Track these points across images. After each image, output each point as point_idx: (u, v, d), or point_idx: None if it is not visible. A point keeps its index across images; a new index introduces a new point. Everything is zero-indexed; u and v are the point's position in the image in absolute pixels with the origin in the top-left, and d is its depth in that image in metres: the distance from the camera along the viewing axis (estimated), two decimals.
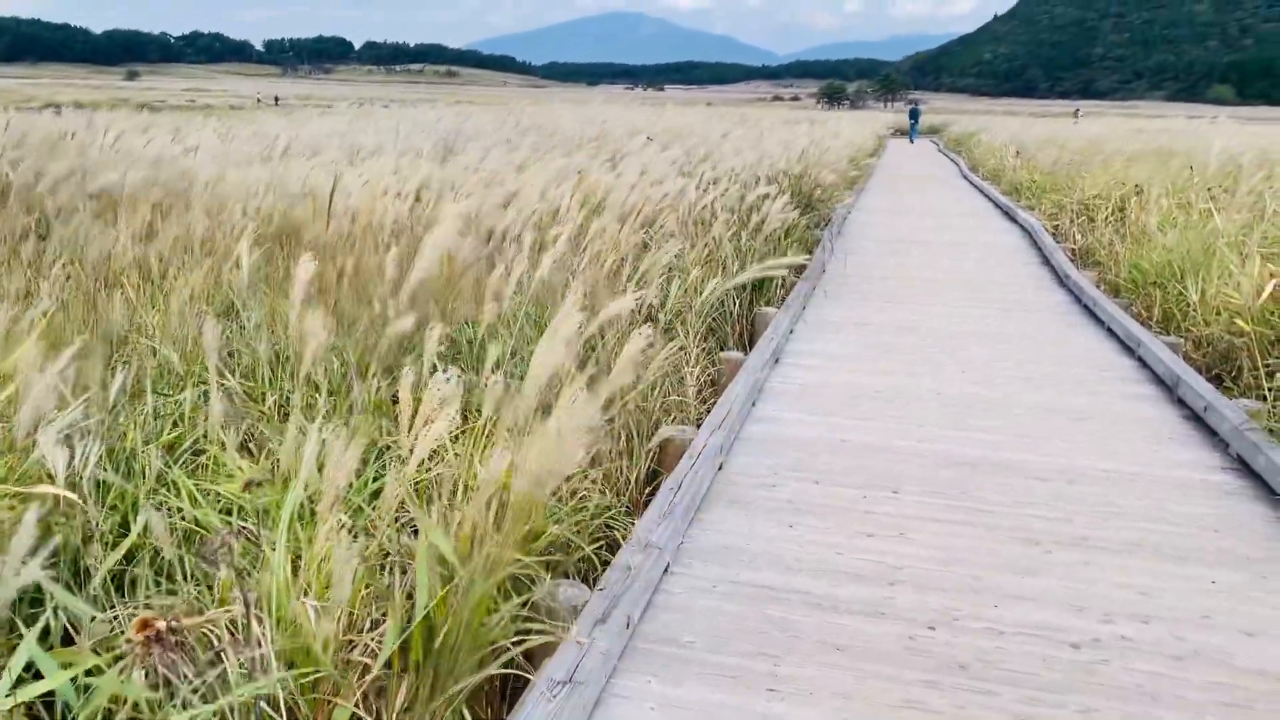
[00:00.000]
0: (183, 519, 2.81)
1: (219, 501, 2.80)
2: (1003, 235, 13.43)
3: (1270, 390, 5.40)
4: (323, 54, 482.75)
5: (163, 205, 6.17)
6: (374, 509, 2.63)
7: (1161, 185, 11.63)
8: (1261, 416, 5.22)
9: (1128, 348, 7.20)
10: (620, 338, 4.70)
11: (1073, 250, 11.33)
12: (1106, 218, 11.55)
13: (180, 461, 3.01)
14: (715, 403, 5.29)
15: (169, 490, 2.91)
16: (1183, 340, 6.92)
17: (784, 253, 7.87)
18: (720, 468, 4.52)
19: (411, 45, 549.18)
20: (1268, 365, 5.64)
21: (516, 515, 2.42)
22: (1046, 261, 11.13)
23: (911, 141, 45.38)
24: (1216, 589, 3.54)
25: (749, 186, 8.49)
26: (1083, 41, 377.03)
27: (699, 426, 4.88)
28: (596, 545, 3.43)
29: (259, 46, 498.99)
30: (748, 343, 7.46)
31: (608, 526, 3.49)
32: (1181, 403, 5.85)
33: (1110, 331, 7.76)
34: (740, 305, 7.59)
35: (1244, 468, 4.77)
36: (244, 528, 2.10)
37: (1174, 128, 26.45)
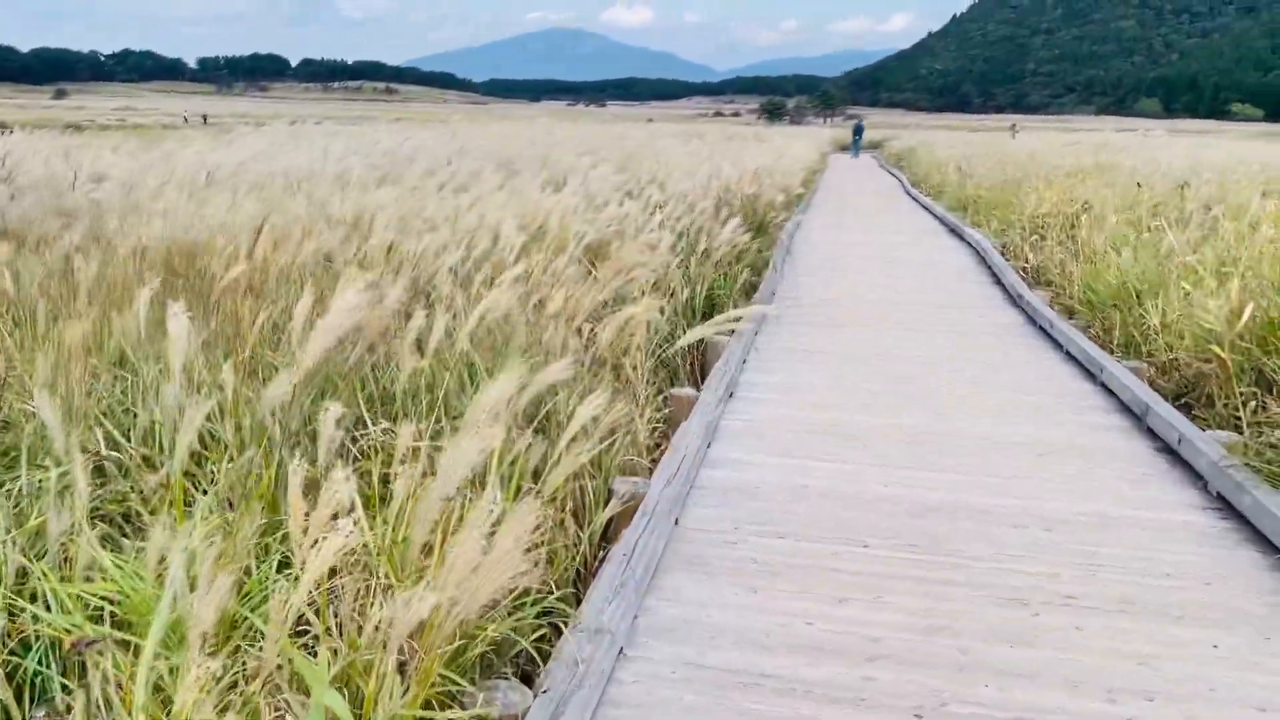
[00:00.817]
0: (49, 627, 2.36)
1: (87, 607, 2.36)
2: (951, 254, 13.30)
3: (1246, 421, 5.17)
4: (259, 72, 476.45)
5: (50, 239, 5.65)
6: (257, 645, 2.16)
7: (1110, 202, 11.57)
8: (1239, 450, 4.99)
9: (1089, 373, 6.99)
10: (569, 395, 4.31)
11: (1024, 269, 11.19)
12: (1058, 236, 11.44)
13: (43, 556, 2.55)
14: (669, 446, 4.92)
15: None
16: (1146, 366, 6.72)
17: (735, 279, 7.55)
18: (676, 522, 4.15)
19: (350, 62, 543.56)
20: (1242, 394, 5.43)
21: (434, 649, 2.02)
22: (998, 280, 10.98)
23: (855, 156, 45.66)
24: (1219, 655, 3.24)
25: (697, 209, 8.17)
26: (1015, 57, 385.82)
27: (653, 472, 4.51)
28: (540, 634, 3.03)
29: (192, 64, 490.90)
30: (699, 373, 7.12)
31: (548, 610, 3.09)
32: (1152, 433, 5.62)
33: (1069, 355, 7.56)
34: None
35: (1226, 507, 4.52)
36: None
37: (1113, 142, 26.85)
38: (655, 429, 5.29)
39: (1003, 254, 12.43)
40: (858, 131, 47.52)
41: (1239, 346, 5.63)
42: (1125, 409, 6.13)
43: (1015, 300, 9.78)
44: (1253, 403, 5.37)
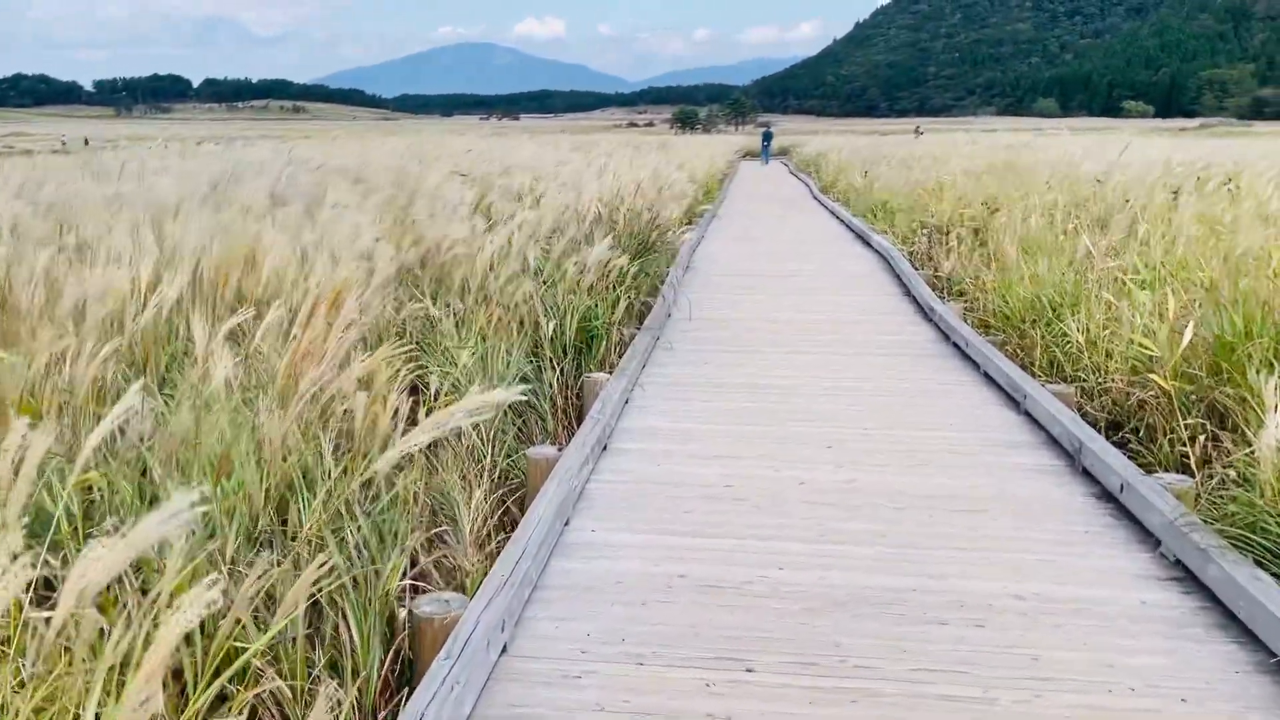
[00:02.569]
0: None
1: None
2: (859, 262, 12.61)
3: (1196, 461, 4.41)
4: (159, 93, 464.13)
5: None
6: None
7: (1020, 203, 10.97)
8: (1191, 498, 4.23)
9: (1012, 399, 6.23)
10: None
11: (935, 278, 10.50)
12: (969, 241, 10.79)
13: None
14: (513, 537, 3.94)
15: None
16: (1072, 389, 5.97)
17: (611, 305, 6.62)
18: (505, 649, 3.18)
19: (255, 81, 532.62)
20: (1189, 426, 4.68)
21: None
22: (908, 292, 10.28)
23: (765, 163, 45.33)
24: None
25: (561, 230, 7.23)
26: (917, 62, 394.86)
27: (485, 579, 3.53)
28: None
29: (89, 87, 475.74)
30: (574, 419, 6.17)
31: None
32: (1088, 475, 4.84)
33: (988, 377, 6.81)
34: (565, 371, 6.29)
35: (1188, 576, 3.72)
36: None
37: (1015, 141, 26.72)
38: (487, 521, 4.30)
39: (912, 262, 11.76)
40: (766, 138, 47.27)
41: (1181, 371, 4.89)
42: (1054, 443, 5.36)
43: (928, 314, 9.06)
44: (1202, 437, 4.62)
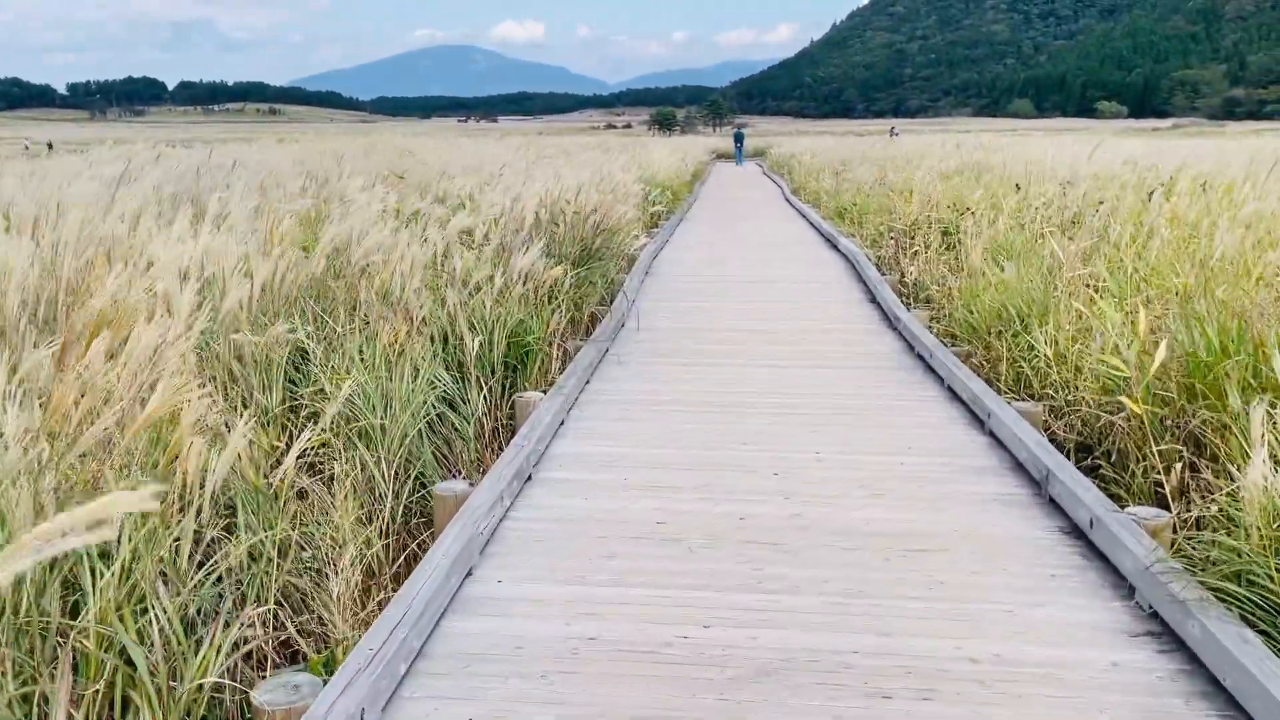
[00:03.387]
0: None
1: None
2: (825, 268, 12.18)
3: (1171, 492, 3.98)
4: (134, 96, 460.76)
5: None
6: None
7: (990, 206, 10.58)
8: (1167, 535, 3.80)
9: (977, 417, 5.81)
10: None
11: (902, 283, 10.08)
12: (937, 245, 10.38)
13: None
14: (398, 593, 3.45)
15: None
16: (1040, 407, 5.54)
17: (546, 319, 6.13)
18: None
19: (230, 84, 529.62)
20: (1162, 452, 4.25)
21: None
22: (874, 298, 9.86)
23: (739, 164, 45.04)
24: None
25: (492, 237, 6.73)
26: (893, 63, 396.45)
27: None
28: None
29: (62, 90, 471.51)
30: (503, 442, 5.69)
31: None
32: (1055, 506, 4.41)
33: (953, 392, 6.39)
34: (494, 390, 5.81)
35: (1165, 630, 3.29)
36: None
37: (988, 143, 26.43)
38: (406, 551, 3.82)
39: (879, 266, 11.35)
40: (738, 140, 46.91)
41: (1155, 393, 4.46)
42: (1021, 469, 4.93)
43: (893, 322, 8.64)
44: (1178, 465, 4.19)
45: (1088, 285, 6.59)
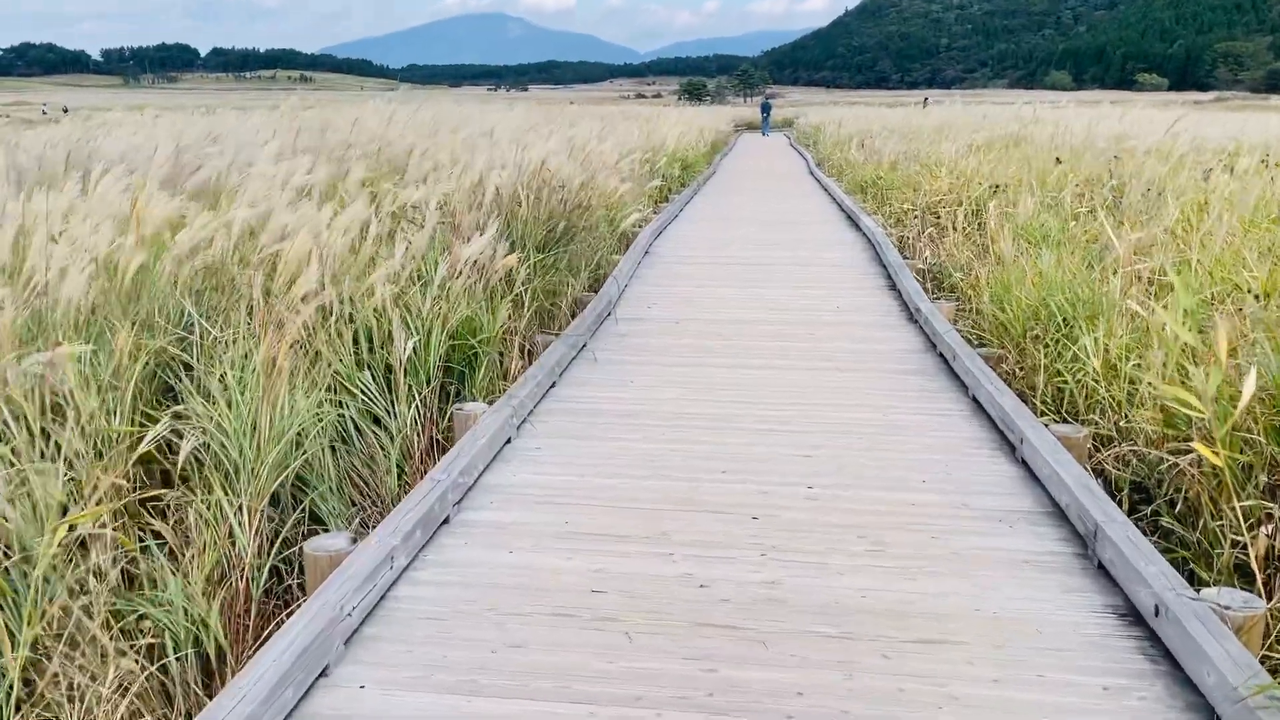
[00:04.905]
0: None
1: None
2: (844, 249, 11.14)
3: (1259, 565, 3.01)
4: (167, 63, 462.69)
5: None
6: None
7: (1024, 181, 9.50)
8: (1257, 633, 2.84)
9: (1005, 438, 4.84)
10: None
11: (922, 271, 9.06)
12: (963, 225, 9.33)
13: None
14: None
15: None
16: (1084, 432, 4.55)
17: (499, 314, 5.19)
18: None
19: (262, 51, 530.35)
20: (1244, 510, 3.27)
21: None
22: (894, 285, 8.85)
23: (764, 135, 44.02)
24: None
25: (452, 216, 5.77)
26: (929, 33, 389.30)
27: None
28: None
29: (97, 57, 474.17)
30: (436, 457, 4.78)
31: None
32: (1106, 575, 3.45)
33: (978, 404, 5.42)
34: (430, 400, 4.89)
35: None
36: None
37: (1025, 114, 25.08)
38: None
39: (900, 248, 10.31)
40: (765, 110, 45.75)
41: (1239, 434, 3.47)
42: (1060, 514, 3.97)
43: (913, 314, 7.64)
44: (1267, 527, 3.21)
45: (1141, 279, 5.57)
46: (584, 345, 6.73)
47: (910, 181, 13.03)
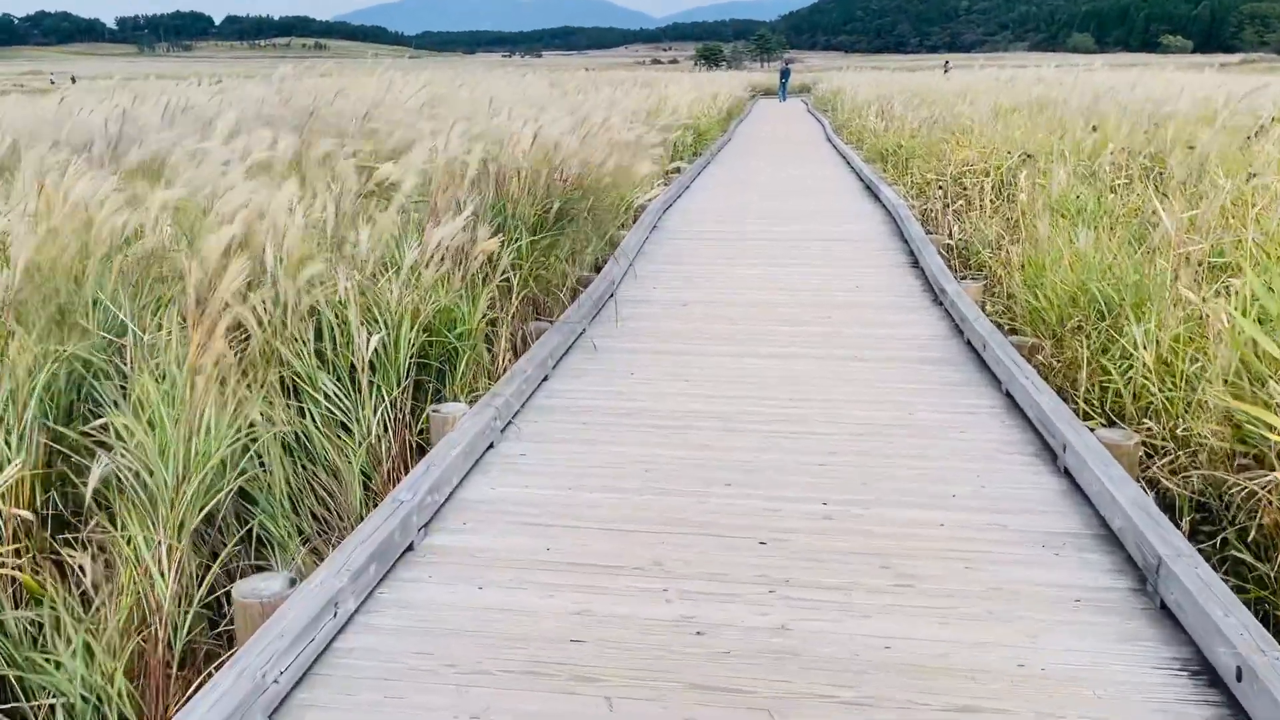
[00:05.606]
0: None
1: None
2: (863, 222, 10.57)
3: None
4: (181, 30, 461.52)
5: None
6: None
7: (1058, 151, 8.90)
8: None
9: (1044, 444, 4.33)
10: None
11: (948, 246, 8.50)
12: (990, 197, 8.75)
13: None
14: None
15: None
16: (1135, 439, 4.04)
17: (479, 304, 4.68)
18: None
19: (276, 19, 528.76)
20: None
21: None
22: (916, 262, 8.30)
23: (782, 100, 43.30)
24: None
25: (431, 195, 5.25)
26: None
27: None
28: None
29: (111, 24, 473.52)
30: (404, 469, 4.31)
31: None
32: (1172, 619, 2.95)
33: (1011, 400, 4.90)
34: (402, 403, 4.42)
35: None
36: None
37: (1049, 76, 24.24)
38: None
39: (923, 221, 9.74)
40: (784, 75, 44.85)
41: None
42: (1112, 538, 3.47)
43: (939, 296, 7.10)
44: None
45: (1190, 261, 5.01)
46: (582, 332, 6.25)
47: (933, 150, 12.41)
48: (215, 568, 3.01)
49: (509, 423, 4.59)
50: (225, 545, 3.31)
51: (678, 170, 14.58)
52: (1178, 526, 3.56)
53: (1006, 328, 6.12)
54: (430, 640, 2.87)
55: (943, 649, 2.83)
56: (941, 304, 6.94)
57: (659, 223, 10.41)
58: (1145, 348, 4.30)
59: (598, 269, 7.72)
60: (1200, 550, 3.23)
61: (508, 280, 5.37)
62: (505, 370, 5.16)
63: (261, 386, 3.54)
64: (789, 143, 21.82)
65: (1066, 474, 4.03)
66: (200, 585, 2.95)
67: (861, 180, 13.95)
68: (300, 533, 3.92)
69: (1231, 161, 7.89)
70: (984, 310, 6.54)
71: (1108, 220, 6.97)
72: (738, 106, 33.54)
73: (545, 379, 5.34)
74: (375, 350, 4.14)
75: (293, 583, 2.85)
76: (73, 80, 49.11)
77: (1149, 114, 10.67)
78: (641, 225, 9.54)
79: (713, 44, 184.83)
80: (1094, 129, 9.41)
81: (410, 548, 3.39)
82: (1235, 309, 4.11)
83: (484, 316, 4.78)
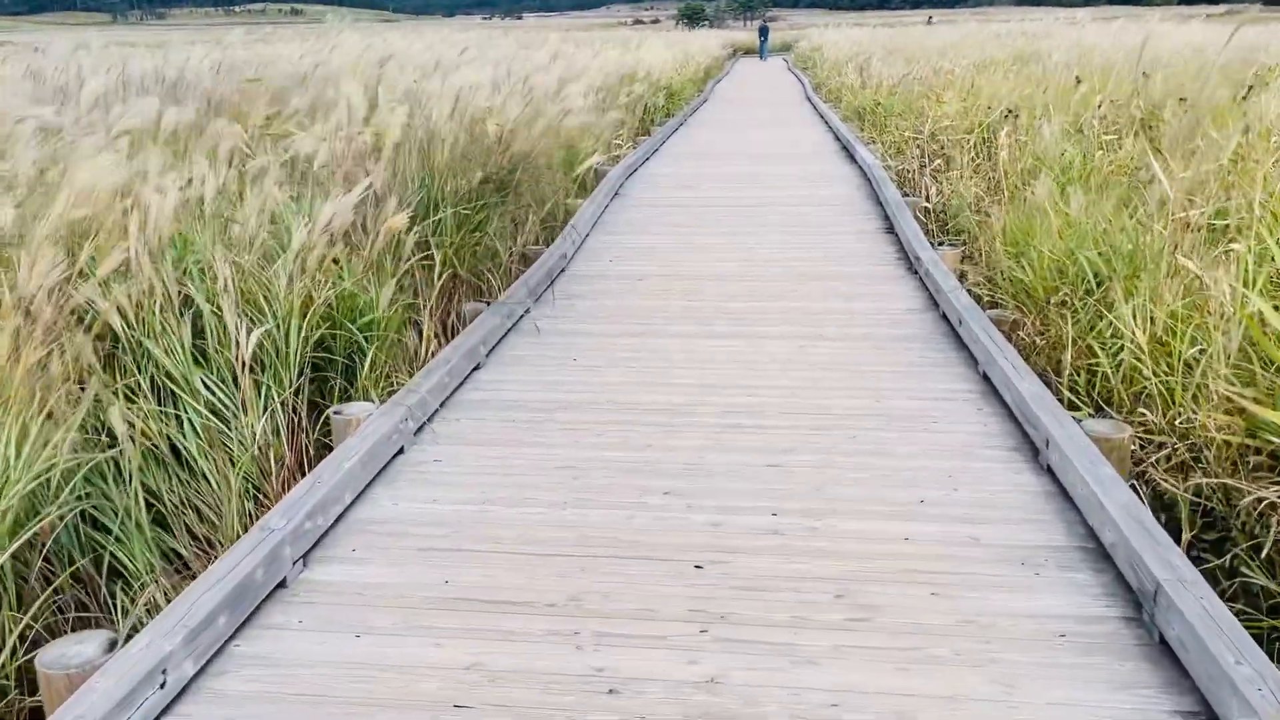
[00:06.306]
0: None
1: None
2: (838, 185, 10.01)
3: None
4: None
5: None
6: None
7: (1044, 105, 8.36)
8: None
9: (1025, 436, 3.85)
10: None
11: (926, 210, 7.97)
12: (970, 157, 8.21)
13: None
14: None
15: None
16: (1127, 433, 3.55)
17: (386, 289, 4.14)
18: None
19: None
20: None
21: None
22: (891, 228, 7.78)
23: (762, 59, 42.62)
24: None
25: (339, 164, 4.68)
26: None
27: None
28: None
29: None
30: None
31: None
32: (1171, 658, 2.48)
33: (989, 383, 4.42)
34: (298, 404, 3.91)
35: None
36: None
37: (1034, 30, 23.59)
38: None
39: (900, 183, 9.21)
40: (763, 33, 44.13)
41: None
42: (1102, 554, 2.99)
43: (914, 265, 6.60)
44: None
45: (1189, 226, 4.51)
46: (525, 312, 5.73)
47: (912, 106, 11.83)
48: (27, 619, 2.50)
49: (426, 423, 4.08)
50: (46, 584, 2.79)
51: (647, 132, 13.98)
52: (1177, 537, 3.10)
53: (986, 299, 5.63)
54: (284, 711, 2.37)
55: (906, 706, 2.35)
56: (918, 273, 6.44)
57: (621, 188, 9.85)
58: (1138, 325, 3.80)
59: (549, 242, 7.19)
60: (1203, 567, 2.77)
61: (430, 259, 4.83)
62: (433, 358, 4.64)
63: (115, 392, 3.02)
64: (766, 103, 21.16)
65: (1049, 472, 3.55)
66: (3, 647, 2.44)
67: (839, 141, 13.37)
68: (178, 558, 3.43)
69: (1225, 115, 7.37)
70: (963, 279, 6.05)
71: (1095, 179, 6.47)
72: (717, 65, 32.75)
73: (476, 368, 4.82)
74: (264, 346, 3.61)
75: (112, 645, 2.34)
76: (35, 51, 47.96)
77: (1133, 65, 10.11)
78: (602, 191, 8.98)
79: (695, 3, 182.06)
80: (1078, 81, 8.85)
81: (283, 584, 2.89)
82: (1238, 278, 3.63)
83: (394, 302, 4.24)
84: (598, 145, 8.46)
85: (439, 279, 4.78)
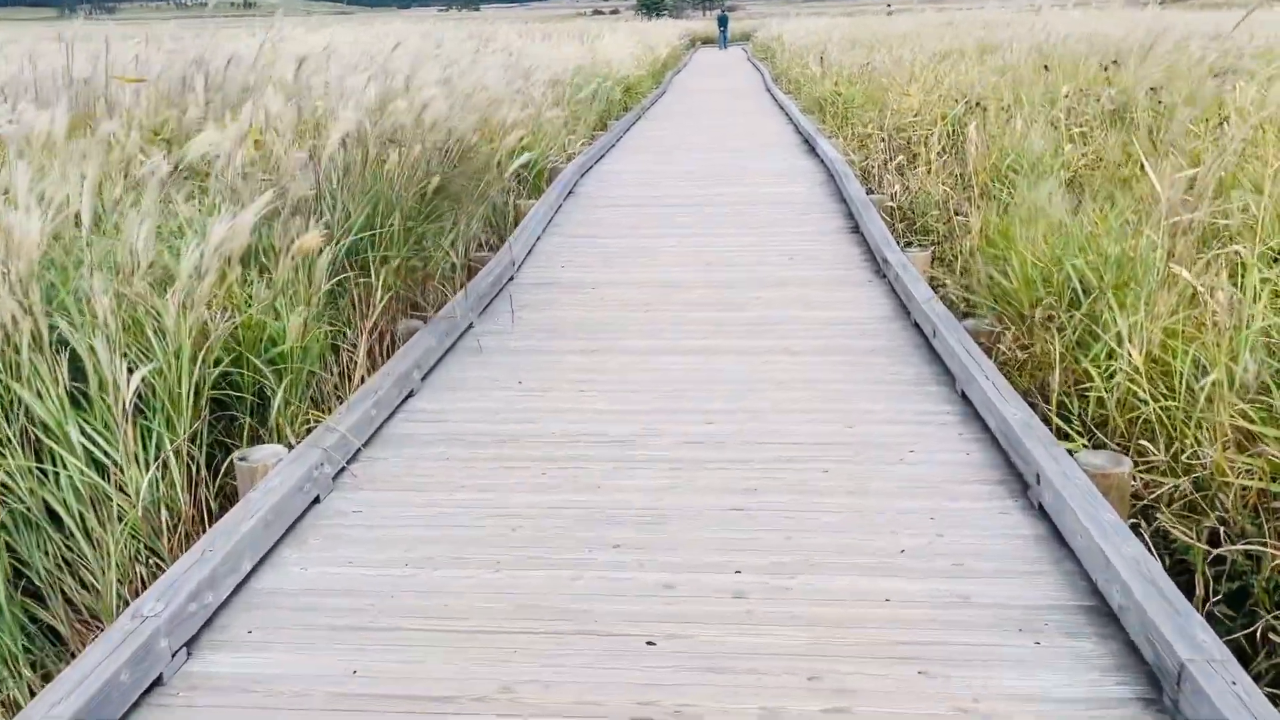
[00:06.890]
0: None
1: None
2: (800, 182, 9.63)
3: None
4: None
5: None
6: None
7: (1008, 94, 8.04)
8: None
9: (1015, 469, 3.48)
10: None
11: (891, 210, 7.61)
12: (937, 151, 7.86)
13: None
14: None
15: None
16: (1126, 467, 3.19)
17: (289, 318, 3.69)
18: None
19: None
20: None
21: None
22: (857, 227, 7.41)
23: (723, 48, 42.33)
24: None
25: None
26: None
27: None
28: None
29: None
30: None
31: None
32: None
33: (968, 402, 4.06)
34: (193, 452, 3.45)
35: None
36: None
37: (993, 19, 23.40)
38: None
39: (864, 179, 8.85)
40: (722, 23, 43.80)
41: None
42: (1108, 615, 2.63)
43: (882, 267, 6.23)
44: None
45: (1183, 231, 4.16)
46: (468, 328, 5.30)
47: (875, 98, 11.48)
48: None
49: (346, 465, 3.63)
50: None
51: (604, 127, 13.55)
52: (1187, 589, 2.75)
53: (961, 305, 5.28)
54: None
55: None
56: (885, 276, 6.08)
57: (576, 188, 9.41)
58: (1133, 343, 3.45)
59: (496, 248, 6.75)
60: (1226, 637, 2.41)
61: (365, 276, 4.36)
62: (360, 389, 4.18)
63: None
64: (726, 94, 20.77)
65: (1043, 513, 3.18)
66: None
67: (800, 134, 13.01)
68: (55, 636, 2.98)
69: (1197, 102, 7.08)
70: (933, 284, 5.69)
71: (1065, 173, 6.15)
72: (675, 56, 32.32)
73: (410, 395, 4.38)
74: (154, 387, 3.15)
75: None
76: None
77: (1102, 52, 9.84)
78: (554, 192, 8.53)
79: None
80: (1045, 68, 8.53)
81: (159, 681, 2.45)
82: (1241, 290, 3.29)
83: (308, 330, 3.77)
84: (540, 140, 7.98)
85: (380, 300, 4.30)
